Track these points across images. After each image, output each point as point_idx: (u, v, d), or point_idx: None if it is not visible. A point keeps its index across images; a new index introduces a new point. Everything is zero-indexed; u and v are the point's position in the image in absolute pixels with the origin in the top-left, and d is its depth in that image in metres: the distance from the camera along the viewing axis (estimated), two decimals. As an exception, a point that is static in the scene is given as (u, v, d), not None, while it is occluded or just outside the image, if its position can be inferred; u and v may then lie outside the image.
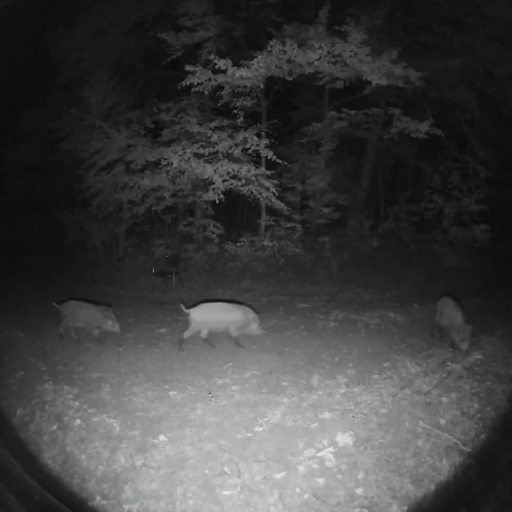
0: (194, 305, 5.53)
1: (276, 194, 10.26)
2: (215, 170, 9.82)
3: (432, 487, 2.39)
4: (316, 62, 9.02)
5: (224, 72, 9.18)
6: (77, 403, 3.45)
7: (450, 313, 4.99)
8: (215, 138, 9.92)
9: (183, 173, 10.02)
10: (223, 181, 9.90)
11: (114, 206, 10.91)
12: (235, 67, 9.07)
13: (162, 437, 2.97)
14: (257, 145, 9.98)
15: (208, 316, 5.35)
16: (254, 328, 5.35)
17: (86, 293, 9.14)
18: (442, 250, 10.72)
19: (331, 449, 2.76)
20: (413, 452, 2.67)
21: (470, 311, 6.73)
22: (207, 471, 2.60)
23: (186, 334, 5.31)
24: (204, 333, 5.36)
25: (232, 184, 10.05)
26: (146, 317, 6.91)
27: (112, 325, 5.43)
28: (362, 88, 9.71)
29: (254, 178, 10.04)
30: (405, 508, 2.26)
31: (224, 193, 9.99)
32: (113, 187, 10.53)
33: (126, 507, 2.33)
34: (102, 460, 2.70)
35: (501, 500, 1.97)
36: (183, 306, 5.35)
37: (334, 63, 9.09)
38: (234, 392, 3.86)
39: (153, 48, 10.48)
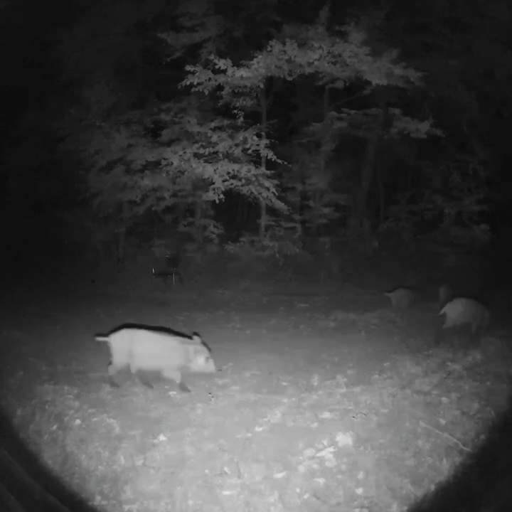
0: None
1: (276, 194, 10.27)
2: (215, 170, 9.82)
3: (432, 487, 2.38)
4: (316, 62, 9.02)
5: (224, 72, 9.19)
6: (77, 403, 3.45)
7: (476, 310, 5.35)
8: (215, 138, 9.93)
9: (183, 173, 10.02)
10: (223, 181, 9.90)
11: (114, 206, 10.93)
12: (235, 67, 9.07)
13: (162, 437, 2.97)
14: (257, 145, 9.99)
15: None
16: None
17: (86, 293, 9.20)
18: (442, 250, 10.71)
19: (331, 449, 2.76)
20: (413, 452, 2.66)
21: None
22: (207, 471, 2.59)
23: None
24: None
25: (232, 184, 10.05)
26: (146, 317, 6.90)
27: (204, 364, 3.84)
28: (362, 88, 9.72)
29: (254, 178, 10.05)
30: (405, 508, 2.26)
31: (224, 193, 10.00)
32: (113, 187, 10.53)
33: (126, 507, 2.33)
34: (102, 460, 2.70)
35: (501, 500, 1.97)
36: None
37: (334, 63, 9.10)
38: (234, 392, 3.86)
39: (153, 47, 10.49)
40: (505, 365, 3.94)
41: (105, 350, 5.09)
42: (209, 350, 3.88)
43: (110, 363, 3.94)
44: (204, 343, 3.94)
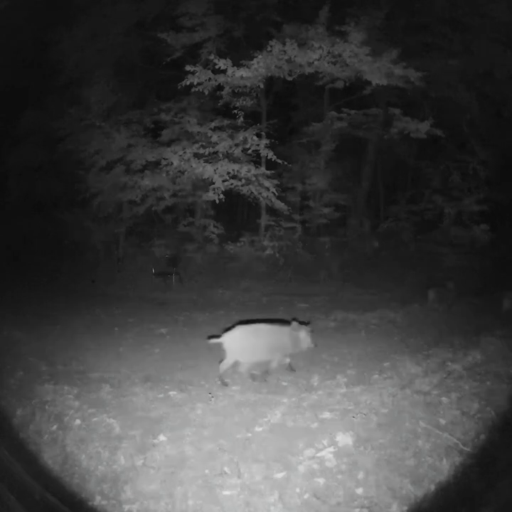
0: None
1: (276, 194, 10.27)
2: (215, 170, 9.83)
3: (432, 487, 2.38)
4: (316, 62, 9.02)
5: (224, 72, 9.19)
6: (77, 403, 3.45)
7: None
8: (215, 138, 9.93)
9: (183, 173, 10.03)
10: (223, 181, 9.91)
11: (114, 206, 10.93)
12: (235, 67, 9.08)
13: (162, 437, 2.97)
14: (257, 145, 10.00)
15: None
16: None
17: (86, 293, 9.20)
18: (442, 250, 10.71)
19: (331, 449, 2.75)
20: (413, 452, 2.66)
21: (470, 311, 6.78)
22: (207, 471, 2.59)
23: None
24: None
25: (232, 184, 10.06)
26: (146, 317, 6.91)
27: (310, 344, 4.24)
28: (362, 88, 9.73)
29: (254, 178, 10.05)
30: (405, 508, 2.26)
31: (224, 193, 10.00)
32: (113, 187, 10.53)
33: (126, 507, 2.33)
34: (102, 460, 2.69)
35: (501, 500, 1.97)
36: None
37: (334, 63, 9.10)
38: (234, 392, 3.86)
39: (153, 47, 10.50)
40: (505, 365, 3.93)
41: (105, 350, 5.09)
42: (309, 329, 4.28)
43: (221, 361, 4.09)
44: (303, 323, 4.31)
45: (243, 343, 4.01)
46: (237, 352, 4.03)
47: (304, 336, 4.18)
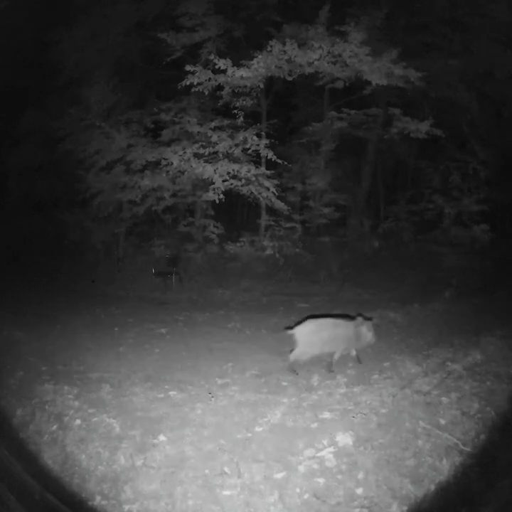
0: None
1: (276, 194, 10.26)
2: (215, 170, 9.82)
3: (432, 487, 2.38)
4: (316, 62, 9.01)
5: (224, 72, 9.18)
6: (77, 403, 3.45)
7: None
8: (215, 138, 9.92)
9: (183, 173, 10.02)
10: (223, 181, 9.90)
11: (114, 206, 10.92)
12: (235, 67, 9.06)
13: (162, 437, 2.97)
14: (257, 145, 9.99)
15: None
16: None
17: (86, 293, 9.20)
18: (442, 250, 10.71)
19: (331, 449, 2.76)
20: (413, 452, 2.66)
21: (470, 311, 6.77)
22: (207, 471, 2.59)
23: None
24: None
25: (232, 184, 10.05)
26: (146, 317, 6.91)
27: (372, 339, 4.50)
28: (362, 88, 9.72)
29: (254, 178, 10.04)
30: (405, 508, 2.26)
31: (224, 193, 9.99)
32: (113, 187, 10.53)
33: (126, 507, 2.33)
34: (102, 460, 2.69)
35: (501, 500, 1.97)
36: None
37: (334, 63, 9.09)
38: (234, 392, 3.86)
39: (153, 47, 10.49)
40: (505, 365, 3.93)
41: (105, 350, 5.10)
42: (371, 324, 4.55)
43: (291, 352, 4.40)
44: (367, 319, 4.58)
45: (312, 336, 4.34)
46: (307, 343, 4.34)
47: (366, 330, 4.44)
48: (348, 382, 3.95)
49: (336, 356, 4.51)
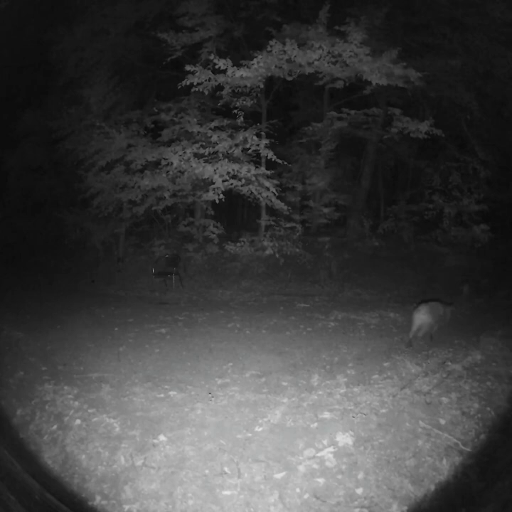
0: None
1: (276, 194, 10.25)
2: (215, 170, 9.81)
3: (432, 487, 2.38)
4: (316, 62, 9.01)
5: (224, 72, 9.18)
6: (77, 403, 3.45)
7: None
8: (215, 138, 9.92)
9: (183, 173, 10.01)
10: (223, 181, 9.89)
11: (114, 206, 10.90)
12: (235, 67, 9.06)
13: (162, 437, 2.97)
14: (257, 145, 9.99)
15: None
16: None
17: (86, 293, 9.20)
18: (442, 250, 10.72)
19: (331, 449, 2.76)
20: (413, 452, 2.66)
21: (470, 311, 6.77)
22: (207, 471, 2.59)
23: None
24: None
25: (232, 184, 10.04)
26: (146, 317, 6.90)
27: (449, 315, 5.72)
28: (362, 88, 9.72)
29: (254, 178, 10.03)
30: (405, 508, 2.26)
31: (224, 193, 9.99)
32: (113, 187, 10.52)
33: (126, 507, 2.33)
34: (102, 460, 2.69)
35: (501, 501, 1.96)
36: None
37: (334, 63, 9.09)
38: (234, 392, 3.85)
39: (153, 47, 10.49)
40: (505, 365, 3.94)
41: (105, 351, 5.11)
42: (452, 308, 5.75)
43: (410, 330, 5.31)
44: (450, 304, 5.76)
45: (426, 315, 5.30)
46: (422, 320, 5.29)
47: (449, 312, 5.64)
48: (348, 382, 3.95)
49: (434, 329, 5.42)
